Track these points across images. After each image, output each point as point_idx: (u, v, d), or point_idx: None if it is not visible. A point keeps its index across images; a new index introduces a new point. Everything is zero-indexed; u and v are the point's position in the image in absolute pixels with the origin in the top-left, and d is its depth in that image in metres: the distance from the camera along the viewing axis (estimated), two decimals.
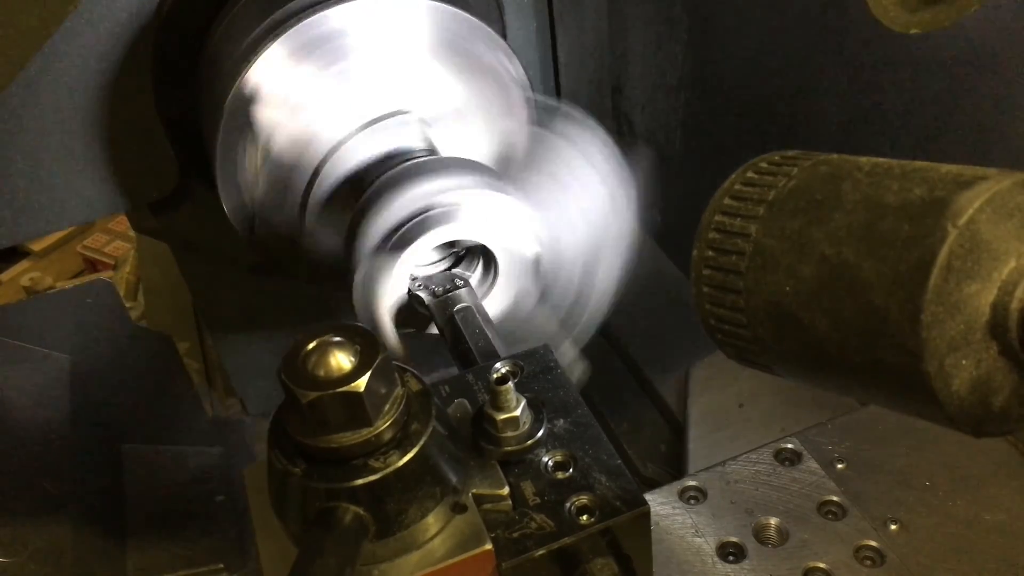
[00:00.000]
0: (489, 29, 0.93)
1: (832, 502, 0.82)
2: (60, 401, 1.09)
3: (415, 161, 0.87)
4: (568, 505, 0.59)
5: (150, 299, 1.81)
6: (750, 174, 0.55)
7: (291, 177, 0.91)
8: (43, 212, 1.03)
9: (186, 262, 1.24)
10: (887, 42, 0.90)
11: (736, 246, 0.53)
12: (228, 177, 0.93)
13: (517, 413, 0.61)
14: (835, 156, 0.53)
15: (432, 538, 0.57)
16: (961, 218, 0.42)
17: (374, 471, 0.53)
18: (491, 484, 0.59)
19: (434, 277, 0.89)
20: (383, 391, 0.54)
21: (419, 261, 0.86)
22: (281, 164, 0.90)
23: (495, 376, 0.65)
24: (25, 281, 2.46)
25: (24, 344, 1.12)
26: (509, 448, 0.61)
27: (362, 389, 0.51)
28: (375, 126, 0.90)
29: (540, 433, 0.62)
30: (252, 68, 0.86)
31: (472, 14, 0.92)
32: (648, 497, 0.64)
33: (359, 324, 0.56)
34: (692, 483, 0.86)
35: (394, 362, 0.56)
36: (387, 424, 0.54)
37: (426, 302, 0.86)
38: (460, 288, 0.87)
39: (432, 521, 0.57)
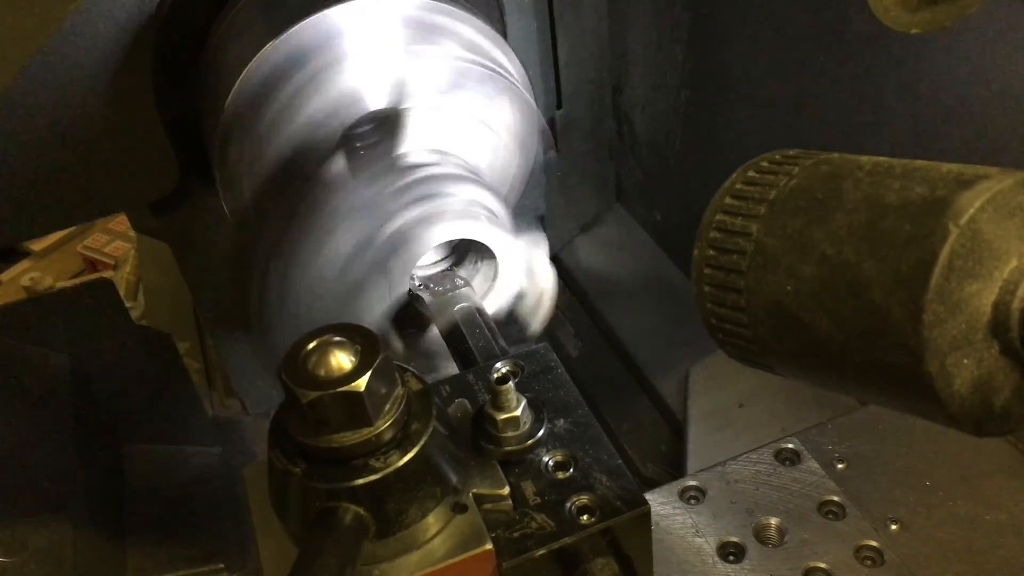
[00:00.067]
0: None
1: (832, 502, 0.82)
2: (60, 401, 1.09)
3: (414, 161, 0.87)
4: (568, 505, 0.59)
5: (150, 299, 1.81)
6: (751, 173, 0.55)
7: (291, 177, 0.91)
8: (43, 212, 1.03)
9: (186, 262, 1.24)
10: (888, 42, 0.90)
11: (737, 245, 0.53)
12: (228, 177, 0.92)
13: (517, 413, 0.61)
14: (836, 155, 0.53)
15: (432, 538, 0.57)
16: (962, 217, 0.42)
17: (374, 471, 0.53)
18: (491, 484, 0.59)
19: (434, 277, 0.89)
20: (383, 391, 0.54)
21: (419, 261, 0.86)
22: (281, 164, 0.90)
23: (495, 376, 0.65)
24: (25, 281, 2.45)
25: (24, 344, 1.12)
26: (509, 448, 0.61)
27: (362, 389, 0.51)
28: (375, 126, 0.90)
29: (540, 433, 0.62)
30: (252, 68, 0.86)
31: (472, 14, 0.92)
32: (648, 497, 0.64)
33: (359, 324, 0.56)
34: (692, 483, 0.86)
35: (394, 362, 0.56)
36: (387, 424, 0.54)
37: (426, 302, 0.86)
38: (460, 288, 0.87)
39: (432, 521, 0.57)
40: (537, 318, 0.86)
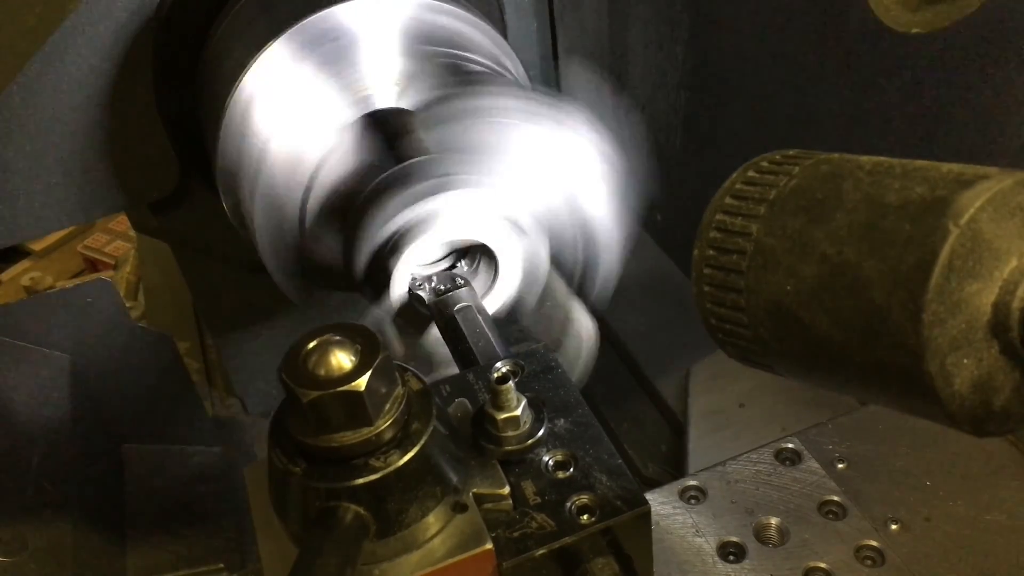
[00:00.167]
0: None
1: (832, 502, 0.82)
2: (60, 401, 1.09)
3: (413, 161, 0.87)
4: (569, 504, 0.59)
5: (150, 299, 1.81)
6: (751, 173, 0.55)
7: (290, 176, 0.91)
8: (43, 212, 1.03)
9: (186, 262, 1.24)
10: (888, 41, 0.90)
11: (737, 245, 0.53)
12: (228, 177, 0.92)
13: (518, 412, 0.61)
14: (836, 155, 0.53)
15: (433, 537, 0.57)
16: (962, 217, 0.42)
17: (375, 470, 0.53)
18: (492, 483, 0.59)
19: (434, 276, 0.89)
20: (384, 390, 0.54)
21: (419, 260, 0.86)
22: (280, 163, 0.90)
23: (496, 375, 0.65)
24: (25, 281, 2.46)
25: (24, 344, 1.12)
26: (510, 447, 0.61)
27: (363, 388, 0.51)
28: (373, 126, 0.90)
29: (541, 432, 0.62)
30: (252, 68, 0.86)
31: (472, 14, 0.92)
32: (648, 497, 0.64)
33: (360, 324, 0.56)
34: (692, 483, 0.86)
35: (394, 362, 0.56)
36: (388, 423, 0.54)
37: (426, 302, 0.86)
38: (460, 287, 0.87)
39: (433, 520, 0.57)
40: (578, 369, 0.86)
